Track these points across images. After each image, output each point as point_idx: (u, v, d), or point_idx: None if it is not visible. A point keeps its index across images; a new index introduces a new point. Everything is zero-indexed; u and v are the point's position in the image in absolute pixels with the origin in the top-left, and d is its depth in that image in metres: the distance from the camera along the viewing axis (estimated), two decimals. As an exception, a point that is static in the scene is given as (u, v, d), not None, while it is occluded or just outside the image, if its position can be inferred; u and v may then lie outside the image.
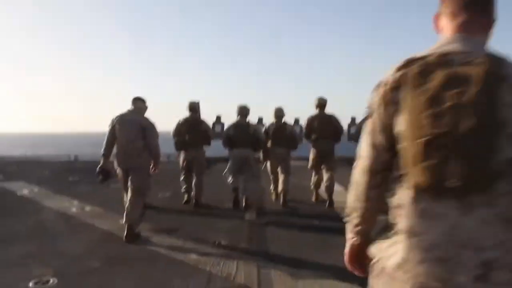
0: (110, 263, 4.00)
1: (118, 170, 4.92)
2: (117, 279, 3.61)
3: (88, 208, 6.51)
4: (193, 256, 4.14)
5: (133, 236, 4.60)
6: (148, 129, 4.82)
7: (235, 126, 6.37)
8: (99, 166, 4.82)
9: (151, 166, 4.95)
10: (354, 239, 1.40)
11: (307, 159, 6.90)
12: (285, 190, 6.44)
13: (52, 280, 3.54)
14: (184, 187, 6.61)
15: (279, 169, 6.61)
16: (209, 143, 6.62)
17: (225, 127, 7.45)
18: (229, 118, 9.22)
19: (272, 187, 6.94)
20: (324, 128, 6.45)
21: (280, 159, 6.57)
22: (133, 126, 4.76)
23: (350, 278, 2.49)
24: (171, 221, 5.64)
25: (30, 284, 3.45)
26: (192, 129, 6.37)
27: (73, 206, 6.63)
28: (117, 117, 4.83)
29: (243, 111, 6.44)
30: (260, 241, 4.72)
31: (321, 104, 6.61)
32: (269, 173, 6.83)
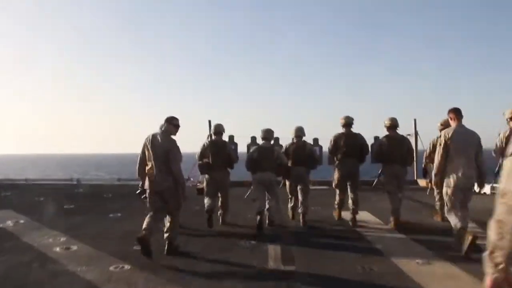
0: None
1: (148, 191, 4.79)
2: None
3: (75, 247, 5.22)
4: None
5: (173, 250, 4.77)
6: (171, 152, 4.68)
7: (258, 149, 6.45)
8: (139, 185, 5.14)
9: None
10: (496, 275, 1.93)
11: (328, 183, 7.12)
12: (305, 209, 6.44)
13: None
14: (207, 207, 6.35)
15: (298, 189, 6.63)
16: (232, 166, 6.60)
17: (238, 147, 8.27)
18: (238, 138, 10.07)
19: (289, 206, 6.92)
20: (350, 147, 6.45)
21: (299, 178, 6.59)
22: (160, 149, 4.65)
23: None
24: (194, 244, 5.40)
25: None
26: (217, 152, 6.35)
27: (57, 244, 5.31)
28: (148, 137, 4.77)
29: (268, 135, 6.50)
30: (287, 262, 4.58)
31: (347, 122, 6.60)
32: (288, 192, 6.84)
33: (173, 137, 4.85)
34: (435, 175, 4.82)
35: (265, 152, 6.34)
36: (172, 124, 4.83)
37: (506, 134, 5.96)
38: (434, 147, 6.30)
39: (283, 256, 4.78)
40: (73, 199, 9.59)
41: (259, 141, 8.07)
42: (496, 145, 6.08)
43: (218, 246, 5.29)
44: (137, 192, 5.14)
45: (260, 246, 5.25)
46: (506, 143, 5.85)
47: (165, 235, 4.78)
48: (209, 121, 10.85)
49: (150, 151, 4.66)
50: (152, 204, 4.74)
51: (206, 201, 6.37)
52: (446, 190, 4.75)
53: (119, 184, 13.18)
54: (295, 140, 6.73)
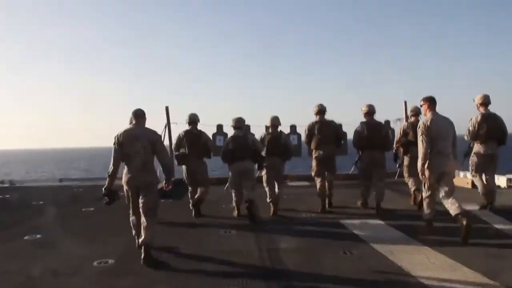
0: None
1: (126, 189, 4.53)
2: None
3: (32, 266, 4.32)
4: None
5: (151, 259, 4.20)
6: (158, 143, 4.57)
7: (233, 139, 6.37)
8: (104, 187, 4.50)
9: (163, 183, 4.67)
10: None
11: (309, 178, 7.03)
12: (278, 197, 6.51)
13: None
14: (191, 201, 6.52)
15: (274, 179, 6.63)
16: (209, 156, 6.56)
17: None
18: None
19: (268, 199, 6.59)
20: (325, 134, 6.53)
21: (274, 168, 6.55)
22: (141, 142, 4.44)
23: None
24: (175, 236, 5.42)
25: None
26: (193, 142, 6.30)
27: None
28: (122, 133, 4.50)
29: (239, 124, 6.42)
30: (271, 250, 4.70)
31: (321, 110, 6.68)
32: (264, 183, 6.64)
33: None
34: (422, 164, 4.86)
35: (240, 141, 6.31)
36: (141, 117, 4.64)
37: (478, 119, 6.25)
38: (404, 132, 6.65)
39: (266, 245, 4.93)
40: (47, 197, 8.96)
41: (226, 129, 8.25)
42: (469, 129, 6.34)
43: (198, 238, 5.33)
44: (102, 194, 4.51)
45: (241, 235, 5.40)
46: (478, 127, 6.22)
47: (140, 240, 4.29)
48: (166, 108, 10.21)
49: (131, 146, 4.41)
50: (130, 200, 4.55)
51: (190, 193, 6.58)
52: (425, 173, 4.86)
53: (59, 186, 11.54)
54: (270, 130, 6.71)
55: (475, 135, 6.28)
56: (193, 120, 6.53)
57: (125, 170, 4.51)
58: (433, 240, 4.76)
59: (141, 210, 4.42)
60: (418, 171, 4.96)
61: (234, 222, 6.17)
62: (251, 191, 6.20)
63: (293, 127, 10.70)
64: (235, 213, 6.50)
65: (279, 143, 6.56)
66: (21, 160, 79.27)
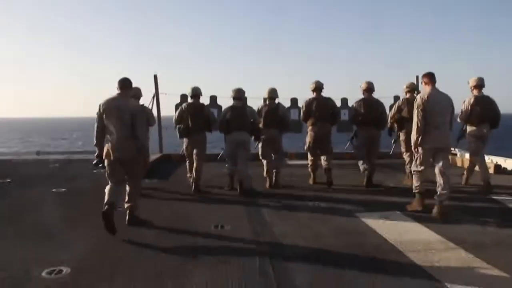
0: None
1: (106, 161, 4.38)
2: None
3: None
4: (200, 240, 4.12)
5: (134, 219, 4.49)
6: (138, 116, 4.37)
7: (231, 109, 6.30)
8: (96, 154, 4.51)
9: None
10: None
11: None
12: (278, 169, 6.61)
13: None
14: (189, 174, 6.60)
15: (271, 152, 6.63)
16: (210, 130, 6.49)
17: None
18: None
19: (264, 173, 6.66)
20: (322, 111, 6.50)
21: (272, 141, 6.54)
22: (123, 113, 4.29)
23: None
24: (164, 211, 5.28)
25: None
26: (195, 115, 6.24)
27: None
28: (104, 102, 4.35)
29: (239, 94, 6.37)
30: (262, 225, 4.66)
31: (318, 87, 6.63)
32: (260, 155, 6.67)
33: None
34: (417, 137, 4.85)
35: (238, 112, 6.24)
36: (127, 87, 4.50)
37: (471, 101, 6.28)
38: (398, 109, 6.55)
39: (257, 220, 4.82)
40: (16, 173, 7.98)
41: (220, 101, 8.04)
42: (462, 111, 6.37)
43: (186, 216, 5.04)
44: (93, 162, 4.61)
45: (234, 211, 5.29)
46: (471, 109, 6.26)
47: (126, 204, 4.50)
48: (155, 76, 9.39)
49: (112, 116, 4.27)
50: (112, 174, 4.37)
51: (188, 166, 6.57)
52: (420, 150, 4.91)
53: (35, 160, 10.09)
54: (267, 102, 6.63)
55: (468, 117, 6.33)
56: (196, 93, 6.43)
57: (106, 141, 4.37)
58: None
59: (127, 182, 4.47)
60: (412, 144, 4.97)
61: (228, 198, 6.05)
62: (245, 166, 6.25)
63: (294, 101, 9.76)
64: (226, 187, 6.49)
65: (276, 115, 6.49)
66: (10, 129, 77.45)
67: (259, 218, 4.94)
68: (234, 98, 6.38)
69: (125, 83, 4.46)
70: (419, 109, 4.81)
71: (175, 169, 8.40)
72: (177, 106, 8.67)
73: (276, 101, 6.68)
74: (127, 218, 4.46)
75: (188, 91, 6.53)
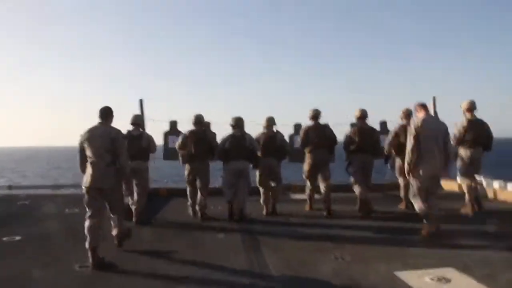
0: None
1: (85, 191, 4.27)
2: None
3: None
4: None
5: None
6: (117, 141, 4.34)
7: (230, 138, 6.32)
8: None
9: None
10: None
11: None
12: (275, 198, 6.62)
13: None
14: (190, 202, 6.55)
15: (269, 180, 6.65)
16: (213, 157, 6.47)
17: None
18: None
19: (261, 200, 6.72)
20: (320, 138, 6.56)
21: (270, 170, 6.59)
22: (103, 141, 4.28)
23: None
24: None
25: None
26: (198, 142, 6.28)
27: None
28: (85, 132, 4.37)
29: (238, 123, 6.37)
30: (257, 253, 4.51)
31: (315, 115, 6.71)
32: (258, 184, 6.70)
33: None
34: (409, 164, 4.91)
35: (237, 141, 6.22)
36: (108, 115, 4.50)
37: (464, 124, 6.38)
38: (396, 135, 6.49)
39: (253, 248, 4.71)
40: None
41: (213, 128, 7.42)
42: (455, 135, 6.40)
43: (187, 239, 5.15)
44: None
45: (231, 238, 5.19)
46: (464, 132, 6.34)
47: (114, 232, 4.61)
48: (140, 101, 8.42)
49: (92, 145, 4.28)
50: (90, 202, 4.29)
51: (189, 193, 6.48)
52: (415, 176, 4.89)
53: (4, 195, 9.02)
54: (265, 130, 6.65)
55: (460, 141, 6.41)
56: (199, 121, 6.48)
57: (87, 171, 4.30)
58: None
59: (109, 211, 4.49)
60: (405, 169, 5.05)
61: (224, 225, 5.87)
62: (245, 195, 6.25)
63: (298, 127, 8.58)
64: (228, 212, 6.28)
65: (274, 144, 6.54)
66: (8, 159, 75.87)
67: (256, 250, 4.68)
68: (233, 127, 6.34)
69: (105, 112, 4.47)
70: (412, 136, 4.85)
71: (162, 207, 7.22)
72: (166, 135, 8.32)
73: (274, 129, 6.70)
74: (117, 242, 4.59)
75: (191, 119, 6.50)
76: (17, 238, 5.19)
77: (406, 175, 5.06)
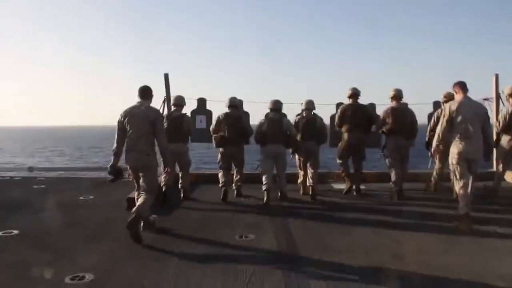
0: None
1: (128, 168, 4.48)
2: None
3: None
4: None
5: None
6: (156, 123, 4.39)
7: (268, 121, 6.20)
8: (110, 165, 4.42)
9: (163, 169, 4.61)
10: None
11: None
12: (314, 183, 6.32)
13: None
14: (221, 183, 6.28)
15: (308, 164, 6.46)
16: (248, 141, 6.49)
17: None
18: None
19: (299, 181, 6.77)
20: (358, 119, 6.41)
21: (309, 153, 6.44)
22: (141, 121, 4.33)
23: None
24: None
25: None
26: (232, 126, 6.20)
27: None
28: (125, 111, 4.42)
29: (276, 106, 6.28)
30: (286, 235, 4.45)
31: (354, 93, 6.56)
32: (297, 167, 6.76)
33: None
34: (437, 144, 4.93)
35: (274, 124, 6.12)
36: (147, 95, 4.50)
37: (509, 111, 6.13)
38: (438, 119, 6.01)
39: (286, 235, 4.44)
40: None
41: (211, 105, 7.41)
42: (498, 121, 6.28)
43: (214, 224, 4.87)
44: (108, 172, 4.42)
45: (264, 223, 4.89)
46: (509, 120, 6.07)
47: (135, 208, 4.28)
48: (166, 75, 7.55)
49: (131, 124, 4.30)
50: (134, 180, 4.48)
51: (221, 175, 6.32)
52: (452, 160, 4.76)
53: (22, 177, 8.46)
54: (304, 114, 6.52)
55: (504, 128, 6.19)
56: (233, 103, 6.41)
57: (125, 149, 4.37)
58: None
59: (142, 189, 4.40)
60: (432, 149, 5.23)
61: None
62: (283, 178, 6.23)
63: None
64: (265, 199, 5.97)
65: (314, 127, 6.40)
66: (48, 137, 78.38)
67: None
68: (271, 110, 6.25)
69: (144, 91, 4.49)
70: (445, 118, 4.75)
71: (181, 201, 6.29)
72: (192, 113, 7.54)
73: (313, 112, 6.54)
74: (129, 219, 4.11)
75: (225, 101, 6.41)
76: (14, 232, 4.42)
77: (432, 152, 5.37)
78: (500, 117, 6.22)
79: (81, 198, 6.23)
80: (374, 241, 4.14)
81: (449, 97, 6.32)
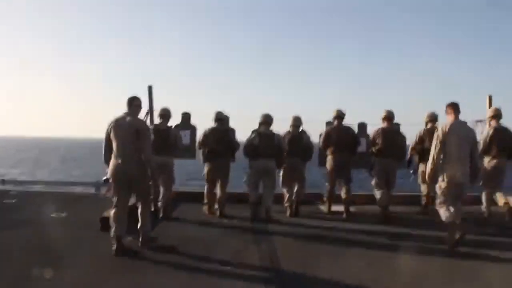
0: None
1: (110, 180, 4.35)
2: None
3: None
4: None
5: (147, 241, 4.41)
6: (141, 134, 4.30)
7: (259, 135, 6.16)
8: (106, 176, 4.48)
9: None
10: None
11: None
12: (298, 199, 6.37)
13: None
14: (206, 200, 6.34)
15: (294, 179, 6.48)
16: (234, 155, 6.43)
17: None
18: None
19: (285, 202, 6.47)
20: (343, 140, 6.42)
21: (294, 169, 6.44)
22: (128, 131, 4.27)
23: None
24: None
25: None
26: (219, 140, 6.18)
27: None
28: (112, 121, 4.37)
29: (267, 120, 6.24)
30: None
31: (339, 115, 6.57)
32: (281, 185, 6.51)
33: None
34: (431, 169, 4.78)
35: (266, 138, 6.10)
36: (134, 105, 4.46)
37: (490, 133, 6.12)
38: (420, 139, 6.40)
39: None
40: None
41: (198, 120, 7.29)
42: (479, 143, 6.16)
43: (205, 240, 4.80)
44: (104, 179, 4.70)
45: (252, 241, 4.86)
46: (489, 141, 6.08)
47: (139, 225, 4.41)
48: (149, 88, 7.36)
49: (117, 134, 4.25)
50: (116, 193, 4.30)
51: (206, 190, 6.31)
52: (440, 184, 4.73)
53: None
54: (291, 130, 6.49)
55: (485, 150, 6.14)
56: (220, 117, 6.36)
57: (112, 161, 4.30)
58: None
59: (136, 201, 4.44)
60: (426, 175, 4.99)
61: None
62: (271, 195, 6.11)
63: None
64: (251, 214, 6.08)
65: (300, 144, 6.39)
66: (32, 148, 76.75)
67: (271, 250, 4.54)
68: (262, 124, 6.19)
69: (131, 101, 4.45)
70: (438, 141, 4.69)
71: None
72: (175, 128, 7.09)
73: (300, 129, 6.52)
74: (140, 240, 4.37)
75: (212, 116, 6.35)
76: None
77: (427, 180, 4.99)
78: (480, 139, 6.15)
79: (52, 215, 5.79)
80: (366, 272, 3.89)
81: (432, 118, 6.44)
